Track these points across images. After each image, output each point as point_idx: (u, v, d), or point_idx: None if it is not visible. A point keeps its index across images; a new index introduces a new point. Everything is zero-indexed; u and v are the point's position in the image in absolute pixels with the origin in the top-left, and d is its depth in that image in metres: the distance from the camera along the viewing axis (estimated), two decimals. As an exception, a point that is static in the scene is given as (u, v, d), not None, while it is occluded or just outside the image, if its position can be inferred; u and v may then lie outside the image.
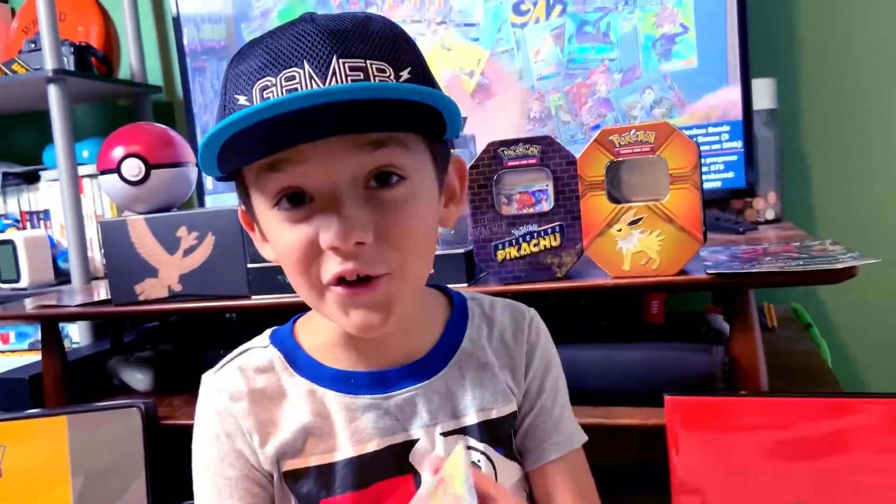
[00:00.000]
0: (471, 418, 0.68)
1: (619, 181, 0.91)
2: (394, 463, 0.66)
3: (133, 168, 1.08)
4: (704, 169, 1.28)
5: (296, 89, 0.53)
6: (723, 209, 1.37)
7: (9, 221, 1.72)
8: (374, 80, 0.54)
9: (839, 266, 0.82)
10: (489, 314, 0.73)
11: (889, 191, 1.46)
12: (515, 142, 0.94)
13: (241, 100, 0.55)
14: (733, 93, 1.27)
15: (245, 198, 0.64)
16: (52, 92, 1.47)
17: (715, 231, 1.27)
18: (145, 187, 1.10)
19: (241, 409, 0.65)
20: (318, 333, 0.69)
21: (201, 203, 1.57)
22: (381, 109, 0.54)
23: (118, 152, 1.09)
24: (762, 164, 1.36)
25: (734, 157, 1.28)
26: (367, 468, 0.65)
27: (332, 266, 0.57)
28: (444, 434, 0.67)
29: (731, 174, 1.29)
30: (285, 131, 0.53)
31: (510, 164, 0.94)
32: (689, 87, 1.29)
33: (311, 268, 0.58)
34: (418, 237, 0.60)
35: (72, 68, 1.55)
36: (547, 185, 0.94)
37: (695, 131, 1.29)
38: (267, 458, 0.65)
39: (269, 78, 0.54)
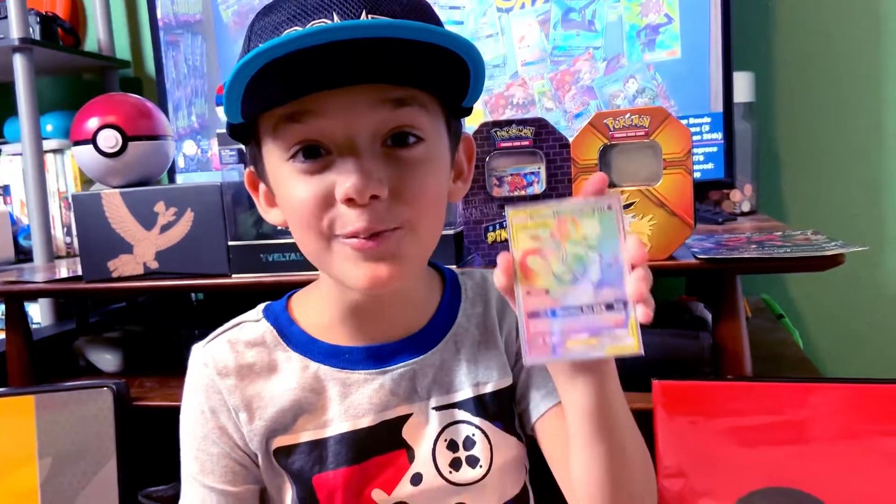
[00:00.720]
0: (465, 392, 0.68)
1: (612, 165, 0.91)
2: (387, 437, 0.65)
3: (109, 139, 1.04)
4: (684, 159, 1.30)
5: None
6: (701, 200, 1.39)
7: (-35, 196, 1.65)
8: None
9: (828, 253, 0.84)
10: (482, 285, 0.73)
11: (860, 185, 1.50)
12: (509, 123, 0.93)
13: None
14: (715, 84, 1.28)
15: (256, 154, 0.63)
16: (18, 62, 1.41)
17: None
18: (121, 160, 1.06)
19: (227, 385, 0.64)
20: (314, 309, 0.68)
21: (172, 182, 1.53)
22: (407, 58, 0.54)
23: (94, 123, 1.05)
24: (739, 157, 1.37)
25: (714, 149, 1.29)
26: (360, 443, 0.64)
27: (346, 222, 0.57)
28: (437, 408, 0.67)
29: (710, 165, 1.30)
30: (310, 76, 0.53)
31: (503, 145, 0.93)
32: (671, 78, 1.29)
33: (322, 220, 0.57)
34: (431, 197, 0.60)
35: (37, 38, 1.49)
36: (539, 168, 0.94)
37: (676, 122, 1.29)
38: (255, 434, 0.64)
39: (296, 28, 0.53)
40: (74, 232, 1.19)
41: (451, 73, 0.56)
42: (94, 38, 1.72)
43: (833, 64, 1.48)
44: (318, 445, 0.64)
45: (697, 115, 1.29)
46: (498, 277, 0.53)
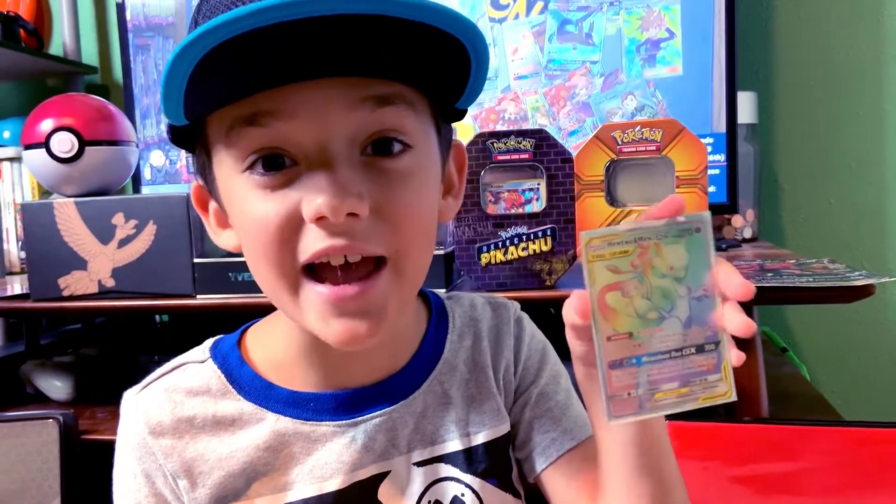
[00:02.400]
0: (452, 444, 0.58)
1: (619, 182, 0.83)
2: (360, 502, 0.54)
3: (64, 143, 0.94)
4: (685, 182, 1.23)
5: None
6: (699, 225, 1.31)
7: (-88, 206, 1.53)
8: None
9: (857, 283, 0.76)
10: (470, 314, 0.63)
11: (862, 213, 1.44)
12: (507, 134, 0.85)
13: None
14: (718, 103, 1.22)
15: (204, 165, 0.51)
16: (-28, 60, 1.31)
17: (696, 247, 1.21)
18: (77, 166, 0.96)
19: (162, 447, 0.53)
20: (273, 346, 0.56)
21: (137, 194, 1.42)
22: (393, 43, 0.43)
23: (47, 125, 0.95)
24: (741, 181, 1.31)
25: (716, 171, 1.22)
26: None
27: (317, 239, 0.45)
28: (419, 464, 0.56)
29: (712, 188, 1.23)
30: (272, 65, 0.42)
31: (500, 158, 0.85)
32: (673, 95, 1.23)
33: (286, 249, 0.46)
34: (421, 219, 0.49)
35: (-4, 38, 1.39)
36: (538, 184, 0.86)
37: (677, 142, 1.22)
38: (202, 498, 0.53)
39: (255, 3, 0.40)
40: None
41: (445, 64, 0.46)
42: (60, 41, 1.62)
43: (836, 87, 1.43)
44: None
45: (699, 135, 1.22)
46: (572, 317, 0.43)
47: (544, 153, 0.84)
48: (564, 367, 0.65)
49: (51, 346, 1.27)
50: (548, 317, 1.11)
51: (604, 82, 1.25)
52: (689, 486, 0.77)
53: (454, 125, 0.57)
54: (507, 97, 1.27)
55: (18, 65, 1.52)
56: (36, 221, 0.96)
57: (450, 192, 0.57)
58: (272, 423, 0.54)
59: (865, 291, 0.76)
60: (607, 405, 0.44)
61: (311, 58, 0.43)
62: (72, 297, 0.97)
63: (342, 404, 0.55)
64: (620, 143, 0.81)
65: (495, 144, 0.85)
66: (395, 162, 0.47)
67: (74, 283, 0.96)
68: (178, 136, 0.51)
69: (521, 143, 0.84)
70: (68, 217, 0.95)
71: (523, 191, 0.86)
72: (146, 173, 1.40)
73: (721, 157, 1.22)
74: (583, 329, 0.44)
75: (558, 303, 0.85)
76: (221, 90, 0.44)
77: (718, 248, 1.16)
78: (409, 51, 0.44)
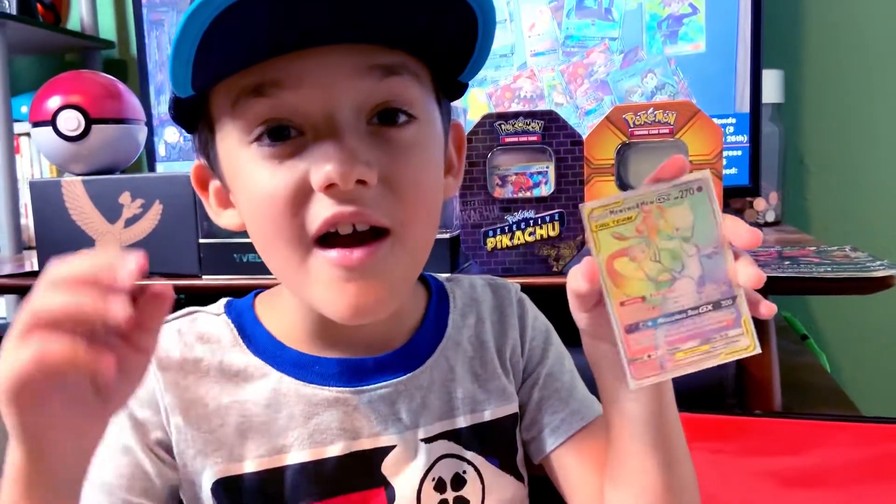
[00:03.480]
0: (459, 420, 0.57)
1: (631, 166, 0.81)
2: (362, 473, 0.54)
3: (71, 121, 0.93)
4: (706, 163, 1.19)
5: None
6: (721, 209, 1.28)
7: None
8: None
9: (877, 275, 0.73)
10: (471, 294, 0.62)
11: (891, 197, 1.39)
12: (515, 115, 0.82)
13: None
14: (741, 82, 1.17)
15: (207, 141, 0.51)
16: (-16, 37, 1.31)
17: (715, 230, 1.18)
18: (84, 144, 0.95)
19: (164, 379, 0.52)
20: (282, 312, 0.56)
21: (152, 171, 1.42)
22: (399, 8, 0.43)
23: (54, 102, 0.94)
24: (765, 163, 1.27)
25: (738, 153, 1.19)
26: (326, 478, 0.53)
27: (325, 209, 0.45)
28: (427, 440, 0.56)
29: (733, 170, 1.19)
30: (278, 31, 0.42)
31: (508, 140, 0.82)
32: (694, 74, 1.19)
33: (295, 219, 0.46)
34: (427, 191, 0.50)
35: (13, 12, 1.39)
36: (547, 167, 0.83)
37: (698, 122, 1.19)
38: (186, 448, 0.52)
39: None
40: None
41: (451, 29, 0.46)
42: (78, 15, 1.61)
43: (867, 65, 1.37)
44: (273, 476, 0.52)
45: (721, 115, 1.18)
46: (578, 283, 0.44)
47: (553, 135, 0.82)
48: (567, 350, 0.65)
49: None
50: (555, 303, 1.09)
51: (623, 59, 1.21)
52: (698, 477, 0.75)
53: (469, 106, 0.57)
54: (524, 74, 1.24)
55: (36, 40, 1.52)
56: (44, 199, 0.96)
57: (450, 171, 0.57)
58: (275, 382, 0.54)
59: (884, 283, 0.73)
60: (628, 369, 0.44)
61: (316, 23, 0.43)
62: (80, 276, 0.97)
63: (346, 371, 0.55)
64: (632, 125, 0.78)
65: (503, 126, 0.82)
66: (401, 132, 0.48)
67: (82, 262, 0.96)
68: (181, 113, 0.51)
69: (529, 125, 0.82)
70: (76, 195, 0.95)
71: (531, 174, 0.84)
72: (160, 150, 1.40)
73: (744, 139, 1.18)
74: (587, 296, 0.44)
75: (565, 290, 0.83)
76: (228, 58, 0.44)
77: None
78: (416, 14, 0.44)
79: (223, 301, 0.59)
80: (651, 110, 0.77)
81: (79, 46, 1.61)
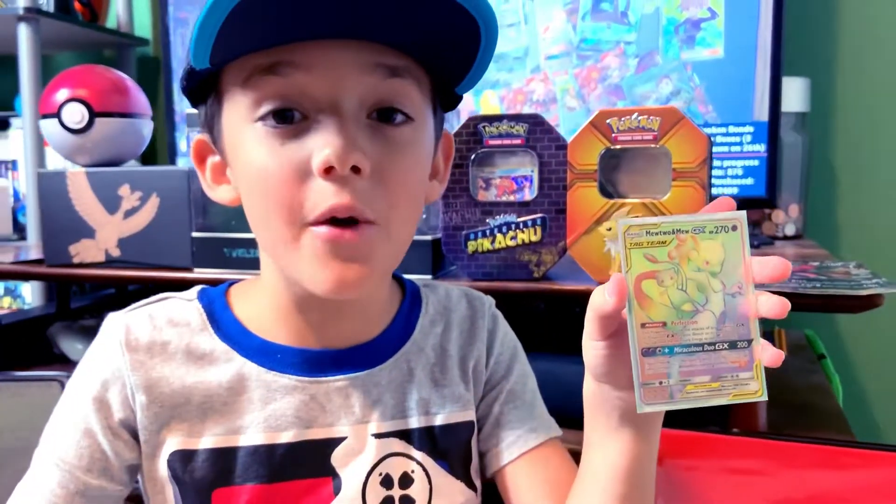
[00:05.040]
0: (411, 421, 0.58)
1: (615, 172, 0.78)
2: (311, 461, 0.55)
3: (75, 114, 0.96)
4: (720, 173, 1.15)
5: None
6: (737, 219, 1.24)
7: (-25, 169, 1.62)
8: None
9: (862, 293, 0.69)
10: (444, 303, 0.64)
11: (925, 215, 1.32)
12: (499, 118, 0.81)
13: None
14: (760, 89, 1.13)
15: (214, 114, 0.54)
16: (22, 32, 1.36)
17: (725, 242, 1.14)
18: (88, 136, 0.98)
19: (131, 359, 0.55)
20: (253, 301, 0.59)
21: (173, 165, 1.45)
22: (408, 12, 0.46)
23: (61, 95, 0.97)
24: (786, 173, 1.22)
25: (755, 162, 1.14)
26: (277, 461, 0.55)
27: (326, 197, 0.48)
28: (378, 436, 0.57)
29: (749, 180, 1.15)
30: (297, 19, 0.45)
31: (491, 142, 0.81)
32: (711, 80, 1.15)
33: (294, 199, 0.49)
34: (413, 186, 0.53)
35: (50, 9, 1.44)
36: (532, 171, 0.82)
37: (713, 129, 1.15)
38: (148, 426, 0.54)
39: None
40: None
41: (455, 40, 0.49)
42: (115, 13, 1.66)
43: (902, 74, 1.31)
44: (227, 455, 0.55)
45: (738, 123, 1.14)
46: (605, 301, 0.44)
47: (538, 139, 0.80)
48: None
49: (81, 309, 1.31)
50: (535, 310, 1.07)
51: (638, 64, 1.18)
52: (666, 498, 0.73)
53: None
54: (537, 77, 1.23)
55: (73, 36, 1.57)
56: (51, 190, 0.99)
57: (435, 176, 0.60)
58: (239, 366, 0.56)
59: (871, 302, 0.69)
60: (639, 391, 0.45)
61: (335, 17, 0.45)
62: (81, 265, 0.99)
63: (307, 361, 0.57)
64: (616, 130, 0.76)
65: (487, 128, 0.81)
66: (397, 130, 0.51)
67: (84, 251, 0.99)
68: (193, 85, 0.54)
69: (513, 128, 0.80)
70: (79, 186, 0.98)
71: (516, 178, 0.83)
72: (181, 145, 1.43)
73: (761, 148, 1.14)
74: (610, 318, 0.44)
75: (545, 296, 0.82)
76: (250, 37, 0.47)
77: (751, 245, 1.09)
78: (424, 21, 0.47)
79: (198, 288, 0.61)
80: (635, 116, 0.75)
81: (115, 43, 1.65)
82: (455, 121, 0.90)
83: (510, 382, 0.64)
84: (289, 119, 0.49)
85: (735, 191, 1.15)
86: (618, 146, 0.76)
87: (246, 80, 0.49)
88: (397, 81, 0.50)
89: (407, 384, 0.59)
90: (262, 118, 0.49)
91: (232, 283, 0.62)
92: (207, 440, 0.54)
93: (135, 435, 0.55)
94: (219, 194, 0.58)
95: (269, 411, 0.55)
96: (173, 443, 0.54)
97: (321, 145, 0.47)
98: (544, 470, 0.61)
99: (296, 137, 0.49)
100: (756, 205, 1.17)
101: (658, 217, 0.45)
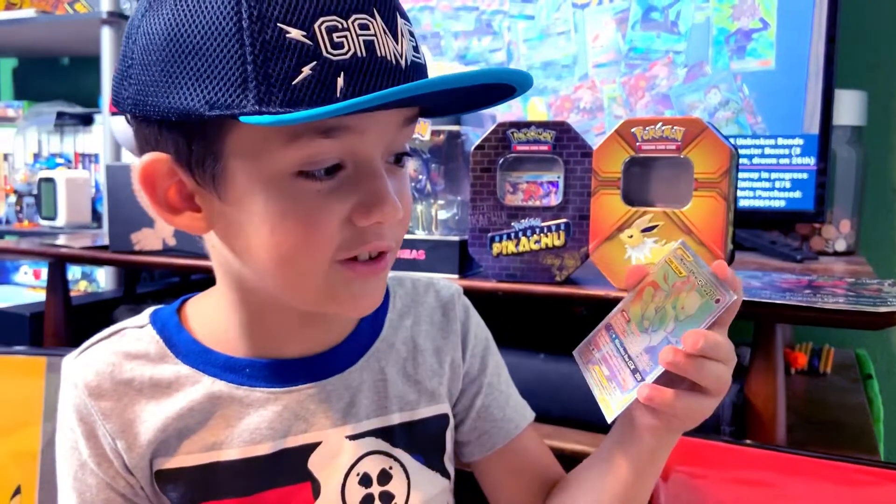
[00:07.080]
0: (385, 419, 0.60)
1: (638, 181, 0.80)
2: (289, 469, 0.57)
3: (139, 112, 1.03)
4: (768, 185, 1.14)
5: (372, 43, 0.46)
6: (786, 233, 1.22)
7: (62, 161, 1.74)
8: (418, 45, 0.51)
9: (881, 310, 0.68)
10: (412, 295, 0.66)
11: None
12: (528, 124, 0.83)
13: (295, 34, 0.44)
14: (812, 102, 1.11)
15: (203, 154, 0.49)
16: (105, 34, 1.47)
17: (767, 255, 1.13)
18: (151, 134, 1.05)
19: (102, 408, 0.55)
20: (211, 316, 0.59)
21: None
22: (469, 100, 0.52)
23: (128, 94, 1.05)
24: (839, 188, 1.19)
25: (804, 175, 1.13)
26: (256, 474, 0.56)
27: (368, 240, 0.51)
28: (352, 437, 0.58)
29: (797, 194, 1.13)
30: (383, 99, 0.45)
31: (519, 148, 0.84)
32: (761, 91, 1.14)
33: (330, 243, 0.50)
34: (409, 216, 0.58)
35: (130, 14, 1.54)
36: (559, 177, 0.84)
37: (762, 141, 1.14)
38: (138, 462, 0.55)
39: (336, 18, 0.45)
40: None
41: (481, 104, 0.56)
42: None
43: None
44: (207, 471, 0.56)
45: (788, 135, 1.13)
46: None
47: (564, 146, 0.82)
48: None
49: (145, 294, 1.40)
50: (554, 312, 1.08)
51: (687, 73, 1.18)
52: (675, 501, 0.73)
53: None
54: (584, 85, 1.24)
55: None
56: (117, 181, 1.07)
57: None
58: (208, 386, 0.56)
59: (888, 320, 0.68)
60: (587, 345, 0.60)
61: (396, 97, 0.45)
62: (141, 252, 1.07)
63: (276, 372, 0.57)
64: (640, 139, 0.77)
65: (515, 134, 0.83)
66: (403, 169, 0.55)
67: (144, 240, 1.06)
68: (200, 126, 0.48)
69: (541, 135, 0.83)
70: (142, 179, 1.05)
71: (542, 183, 0.85)
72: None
73: (811, 161, 1.12)
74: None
75: (567, 300, 0.83)
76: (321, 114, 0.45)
77: (793, 259, 1.08)
78: (473, 98, 0.52)
79: (149, 311, 0.60)
80: (659, 125, 0.76)
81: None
82: (489, 123, 0.93)
83: (487, 375, 0.66)
84: (332, 170, 0.49)
85: (782, 204, 1.13)
86: (641, 155, 0.77)
87: (293, 138, 0.47)
88: (412, 127, 0.53)
89: (380, 383, 0.60)
90: (306, 173, 0.48)
91: (183, 300, 0.62)
92: (186, 458, 0.56)
93: (132, 472, 0.56)
94: (181, 221, 0.54)
95: (244, 426, 0.56)
96: (158, 464, 0.56)
97: (373, 201, 0.49)
98: (525, 458, 0.65)
99: (336, 189, 0.49)
100: (803, 218, 1.15)
101: (697, 259, 0.53)
